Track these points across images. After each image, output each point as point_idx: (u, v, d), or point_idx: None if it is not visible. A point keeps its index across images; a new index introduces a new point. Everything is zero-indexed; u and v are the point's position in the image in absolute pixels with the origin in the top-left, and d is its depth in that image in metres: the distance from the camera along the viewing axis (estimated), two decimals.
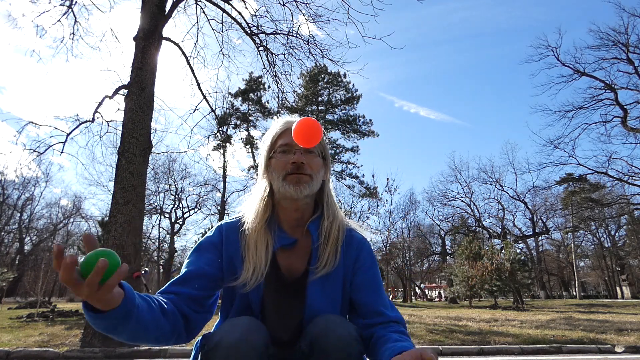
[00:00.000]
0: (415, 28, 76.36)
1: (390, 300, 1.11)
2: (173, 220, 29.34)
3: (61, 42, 9.11)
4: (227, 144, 22.59)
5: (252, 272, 1.03)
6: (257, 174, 1.20)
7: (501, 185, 31.31)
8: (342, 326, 0.90)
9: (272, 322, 1.05)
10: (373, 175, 33.53)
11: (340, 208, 1.20)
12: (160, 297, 0.95)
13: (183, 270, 1.05)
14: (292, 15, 9.48)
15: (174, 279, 1.03)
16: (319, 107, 27.50)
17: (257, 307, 1.05)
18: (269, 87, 10.96)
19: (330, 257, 1.07)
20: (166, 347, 5.10)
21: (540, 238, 35.12)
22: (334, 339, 0.87)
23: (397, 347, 0.88)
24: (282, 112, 11.22)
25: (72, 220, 35.43)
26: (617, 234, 36.52)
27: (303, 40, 9.40)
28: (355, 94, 27.67)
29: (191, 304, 0.99)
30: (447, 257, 33.57)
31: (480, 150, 72.95)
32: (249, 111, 26.28)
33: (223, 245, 1.09)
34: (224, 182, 24.90)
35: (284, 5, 9.14)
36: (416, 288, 33.59)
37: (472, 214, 32.48)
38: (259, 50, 9.80)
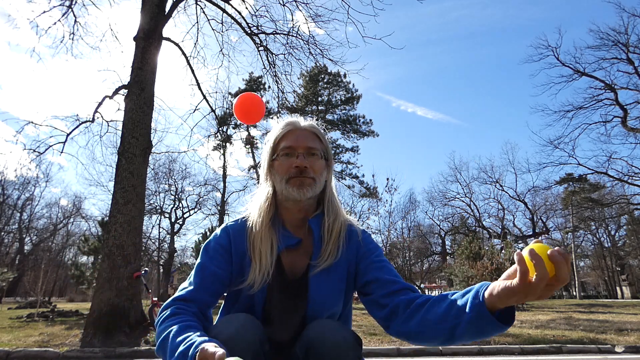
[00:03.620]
0: (411, 27, 75.85)
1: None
2: (173, 220, 29.25)
3: (61, 42, 9.15)
4: (227, 144, 22.57)
5: (259, 272, 1.04)
6: (257, 174, 1.21)
7: (501, 185, 31.27)
8: (339, 332, 0.90)
9: (276, 321, 1.06)
10: (373, 175, 33.59)
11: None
12: (192, 315, 0.96)
13: (197, 274, 1.05)
14: (292, 15, 9.50)
15: (191, 288, 1.02)
16: (319, 107, 27.48)
17: (260, 308, 1.05)
18: (269, 87, 10.98)
19: (332, 253, 1.09)
20: None
21: (540, 238, 34.96)
22: (329, 345, 0.87)
23: (473, 291, 0.84)
24: (282, 112, 11.23)
25: (72, 220, 35.48)
26: (617, 234, 36.56)
27: (303, 40, 9.42)
28: (355, 94, 27.65)
29: (206, 310, 1.03)
30: (447, 257, 33.56)
31: (480, 150, 72.69)
32: None
33: (232, 246, 1.10)
34: (224, 182, 24.89)
35: (284, 5, 9.16)
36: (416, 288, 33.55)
37: (472, 214, 32.53)
38: (259, 50, 9.81)
